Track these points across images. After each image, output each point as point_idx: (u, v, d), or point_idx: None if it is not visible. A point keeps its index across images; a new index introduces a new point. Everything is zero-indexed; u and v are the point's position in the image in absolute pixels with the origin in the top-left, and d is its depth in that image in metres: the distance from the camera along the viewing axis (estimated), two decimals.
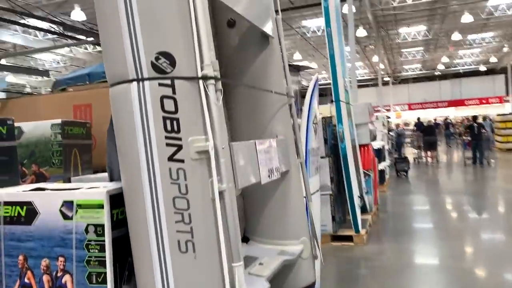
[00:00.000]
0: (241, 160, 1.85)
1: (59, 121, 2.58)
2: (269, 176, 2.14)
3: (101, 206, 1.73)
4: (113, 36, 1.56)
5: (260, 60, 2.57)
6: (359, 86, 31.86)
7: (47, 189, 1.95)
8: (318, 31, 21.72)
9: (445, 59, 32.86)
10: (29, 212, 1.85)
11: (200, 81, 1.58)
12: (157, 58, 1.53)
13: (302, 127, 2.95)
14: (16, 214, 1.87)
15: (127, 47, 1.54)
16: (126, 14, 1.52)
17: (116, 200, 1.72)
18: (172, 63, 1.55)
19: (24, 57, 22.70)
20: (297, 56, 24.37)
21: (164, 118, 1.53)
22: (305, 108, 2.96)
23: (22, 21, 16.96)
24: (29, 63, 24.99)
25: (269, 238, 2.58)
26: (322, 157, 5.15)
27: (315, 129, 3.12)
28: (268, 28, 2.55)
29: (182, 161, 1.54)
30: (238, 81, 2.57)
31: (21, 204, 1.86)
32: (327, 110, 6.73)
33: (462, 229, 6.42)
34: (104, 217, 1.73)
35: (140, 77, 1.53)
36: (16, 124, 2.65)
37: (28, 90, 29.66)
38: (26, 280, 1.86)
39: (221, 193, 1.57)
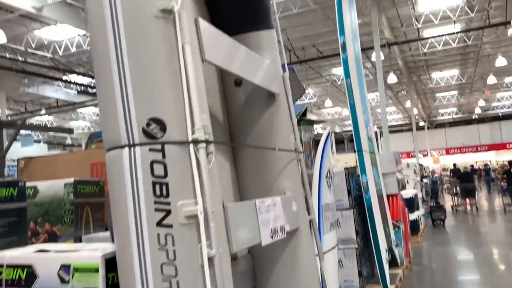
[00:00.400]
0: (238, 222, 1.83)
1: (72, 180, 2.65)
2: (272, 236, 2.09)
3: (96, 270, 1.73)
4: (108, 102, 1.62)
5: (266, 117, 2.59)
6: (393, 132, 31.45)
7: (50, 251, 1.97)
8: None
9: (482, 102, 32.13)
10: (29, 275, 1.87)
11: (191, 145, 1.59)
12: (148, 124, 1.57)
13: (314, 182, 2.91)
14: (17, 277, 1.89)
15: (120, 114, 1.58)
16: (120, 81, 1.58)
17: (114, 263, 1.71)
18: (163, 128, 1.57)
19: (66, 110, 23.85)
20: (328, 103, 24.46)
21: (154, 183, 1.54)
22: (317, 162, 2.92)
23: (64, 78, 18.00)
24: (71, 115, 26.22)
25: None
26: (346, 209, 5.03)
27: (329, 183, 3.06)
28: (274, 86, 2.58)
29: (170, 226, 1.53)
30: (242, 140, 2.59)
31: (22, 267, 1.89)
32: (353, 159, 6.63)
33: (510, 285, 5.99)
34: (99, 281, 1.72)
35: (131, 143, 1.56)
36: (33, 184, 2.74)
37: (68, 142, 30.94)
38: None
39: (210, 259, 1.54)
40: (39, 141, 27.68)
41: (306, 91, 23.86)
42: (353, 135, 5.11)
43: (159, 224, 1.52)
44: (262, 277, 2.57)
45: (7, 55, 14.85)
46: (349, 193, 5.08)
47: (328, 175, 3.06)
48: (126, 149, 1.57)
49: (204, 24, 1.88)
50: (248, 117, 2.61)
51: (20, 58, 15.22)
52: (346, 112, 27.98)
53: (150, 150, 1.56)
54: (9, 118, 23.38)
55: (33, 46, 15.13)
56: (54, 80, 17.85)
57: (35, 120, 25.57)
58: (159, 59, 1.62)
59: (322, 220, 2.88)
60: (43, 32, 14.40)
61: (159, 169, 1.55)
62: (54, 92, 20.91)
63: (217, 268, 1.54)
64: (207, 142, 1.64)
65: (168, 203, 1.53)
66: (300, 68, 19.74)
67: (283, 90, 2.71)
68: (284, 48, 17.71)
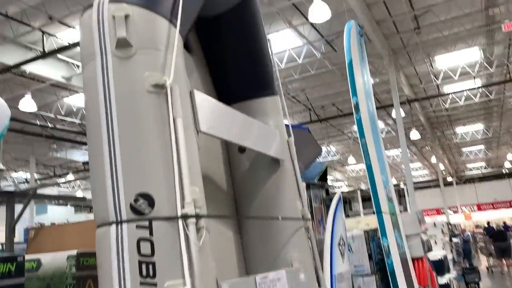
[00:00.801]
0: None
1: (74, 252, 2.60)
2: None
3: None
4: (97, 177, 1.59)
5: (270, 184, 2.52)
6: (420, 188, 30.63)
7: None
8: None
9: (511, 156, 31.28)
10: None
11: (180, 221, 1.53)
12: (136, 200, 1.52)
13: (325, 251, 2.77)
14: None
15: (108, 189, 1.55)
16: (109, 155, 1.56)
17: None
18: (151, 203, 1.53)
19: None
20: (351, 160, 24.24)
21: (140, 262, 1.47)
22: (328, 229, 2.80)
23: None
24: None
25: None
26: (367, 275, 4.77)
27: (342, 251, 2.92)
28: (278, 152, 2.54)
29: None
30: (246, 208, 2.51)
31: None
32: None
33: None
34: None
35: (119, 219, 1.52)
36: (36, 256, 2.69)
37: None
38: None
39: None
40: (66, 205, 28.04)
41: (328, 148, 23.80)
42: (372, 197, 4.95)
43: None
44: None
45: (38, 122, 15.47)
46: (370, 257, 4.84)
47: (341, 242, 2.92)
48: (114, 226, 1.52)
49: (200, 96, 1.88)
50: (252, 184, 2.55)
51: (49, 125, 15.83)
52: None
53: (137, 227, 1.50)
54: (39, 182, 23.93)
55: (62, 113, 15.78)
56: (81, 145, 18.37)
57: (61, 186, 26.05)
58: (150, 133, 1.60)
59: None
60: (71, 99, 15.05)
61: (145, 247, 1.48)
62: (81, 156, 21.49)
63: None
64: (198, 216, 1.58)
65: (155, 284, 1.46)
66: (321, 126, 19.84)
67: (288, 155, 2.66)
68: (304, 108, 17.96)
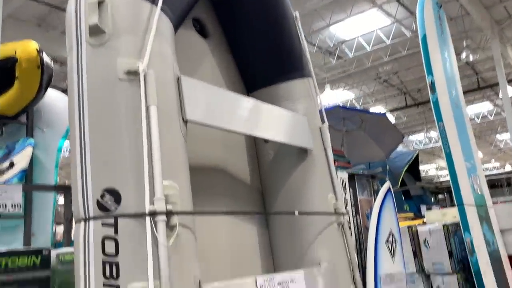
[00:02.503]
0: None
1: None
2: None
3: None
4: (72, 173, 1.53)
5: (297, 176, 2.30)
6: None
7: None
8: (478, 118, 19.83)
9: None
10: None
11: (147, 218, 1.40)
12: (102, 196, 1.43)
13: (368, 249, 2.46)
14: None
15: (79, 184, 1.48)
16: (80, 147, 1.49)
17: None
18: (117, 200, 1.42)
19: None
20: None
21: (104, 262, 1.37)
22: (372, 225, 2.48)
23: None
24: None
25: None
26: (447, 274, 4.27)
27: (392, 249, 2.57)
28: (306, 141, 2.30)
29: None
30: (273, 202, 2.32)
31: None
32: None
33: None
34: None
35: (86, 216, 1.44)
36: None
37: None
38: None
39: None
40: None
41: (427, 134, 22.21)
42: (452, 187, 4.41)
43: None
44: None
45: None
46: (450, 254, 4.32)
47: (391, 239, 2.58)
48: (82, 223, 1.44)
49: (189, 82, 1.73)
50: (277, 177, 2.35)
51: None
52: (479, 154, 25.20)
53: (103, 224, 1.41)
54: None
55: None
56: None
57: None
58: (120, 123, 1.50)
59: None
60: None
61: (110, 246, 1.38)
62: None
63: None
64: (169, 213, 1.43)
65: (117, 286, 1.35)
66: (419, 111, 18.55)
67: (319, 144, 2.40)
68: (398, 92, 16.93)
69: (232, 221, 2.16)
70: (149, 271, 1.35)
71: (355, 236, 2.63)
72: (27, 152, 3.52)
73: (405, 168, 8.77)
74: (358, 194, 2.73)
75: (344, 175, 2.65)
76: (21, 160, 3.50)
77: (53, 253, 2.20)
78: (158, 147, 1.47)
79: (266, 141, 2.42)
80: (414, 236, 4.50)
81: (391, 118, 18.29)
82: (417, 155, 9.37)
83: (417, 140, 23.39)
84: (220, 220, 2.11)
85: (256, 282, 1.71)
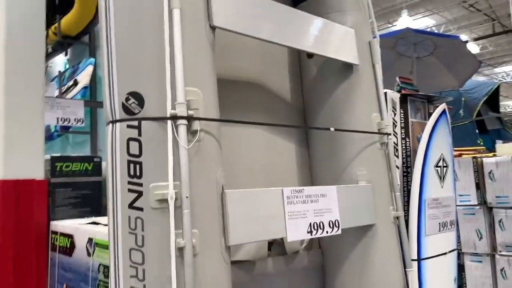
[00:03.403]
0: (243, 212, 1.58)
1: None
2: (310, 232, 1.77)
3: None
4: (103, 76, 1.57)
5: (340, 93, 2.20)
6: None
7: (100, 224, 2.07)
8: None
9: None
10: (71, 244, 2.00)
11: (169, 122, 1.42)
12: (127, 99, 1.46)
13: (415, 171, 2.34)
14: (65, 245, 2.04)
15: (106, 87, 1.52)
16: (107, 52, 1.51)
17: None
18: (141, 103, 1.45)
19: None
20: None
21: (129, 162, 1.43)
22: (421, 147, 2.34)
23: None
24: None
25: None
26: (476, 205, 4.07)
27: (442, 174, 2.43)
28: (351, 56, 2.17)
29: (141, 209, 1.40)
30: (314, 119, 2.26)
31: (68, 236, 2.03)
32: None
33: None
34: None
35: (113, 119, 1.49)
36: None
37: None
38: None
39: (180, 250, 1.36)
40: None
41: None
42: None
43: (130, 206, 1.41)
44: (330, 277, 2.23)
45: None
46: None
47: (442, 163, 2.43)
48: (110, 125, 1.50)
49: None
50: (320, 93, 2.27)
51: None
52: None
53: (128, 126, 1.45)
54: None
55: None
56: None
57: None
58: (145, 27, 1.49)
59: (424, 218, 2.31)
60: None
61: (134, 147, 1.43)
62: None
63: (187, 261, 1.35)
64: (190, 118, 1.44)
65: (141, 184, 1.41)
66: (508, 39, 16.84)
67: (368, 59, 2.26)
68: (486, 18, 15.41)
69: (269, 136, 2.15)
70: (169, 171, 1.39)
71: (403, 159, 2.52)
72: (88, 70, 3.69)
73: (483, 100, 8.13)
74: (410, 116, 2.57)
75: (395, 95, 2.50)
76: (83, 78, 3.68)
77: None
78: (180, 52, 1.45)
79: (309, 56, 2.32)
80: (479, 167, 4.26)
81: (475, 47, 16.82)
82: (498, 87, 8.60)
83: (504, 72, 21.47)
84: (256, 134, 2.10)
85: (282, 193, 1.71)
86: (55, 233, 2.12)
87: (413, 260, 2.27)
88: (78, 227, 1.97)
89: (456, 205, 4.33)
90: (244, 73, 2.11)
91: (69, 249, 1.99)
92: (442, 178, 2.46)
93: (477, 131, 8.08)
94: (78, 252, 1.92)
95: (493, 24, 15.88)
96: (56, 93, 4.22)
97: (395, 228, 2.16)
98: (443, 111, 2.45)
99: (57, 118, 3.30)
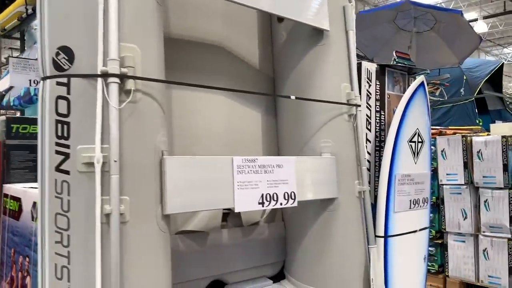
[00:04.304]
0: (184, 179, 1.49)
1: None
2: (262, 203, 1.68)
3: None
4: (37, 31, 1.47)
5: (309, 59, 2.08)
6: None
7: None
8: None
9: None
10: (19, 208, 1.93)
11: (99, 80, 1.32)
12: (57, 54, 1.36)
13: (387, 145, 2.23)
14: (15, 209, 1.98)
15: (39, 44, 1.41)
16: (40, 6, 1.40)
17: None
18: (71, 58, 1.34)
19: None
20: None
21: (57, 122, 1.34)
22: (395, 119, 2.23)
23: None
24: None
25: (306, 283, 2.06)
26: (498, 189, 3.95)
27: (416, 150, 2.32)
28: (321, 21, 2.03)
29: (67, 172, 1.32)
30: (282, 86, 2.14)
31: (16, 199, 1.96)
32: None
33: None
34: None
35: (44, 75, 1.39)
36: None
37: None
38: (12, 273, 1.94)
39: (107, 217, 1.29)
40: None
41: None
42: None
43: (57, 168, 1.33)
44: (291, 252, 2.17)
45: None
46: (505, 168, 3.96)
47: (416, 138, 2.32)
48: (41, 82, 1.40)
49: None
50: (289, 60, 2.14)
51: None
52: None
53: (58, 84, 1.35)
54: None
55: None
56: None
57: None
58: None
59: (393, 194, 2.22)
60: None
61: (62, 106, 1.34)
62: None
63: (113, 228, 1.27)
64: (123, 76, 1.34)
65: (68, 146, 1.32)
66: None
67: (341, 25, 2.12)
68: None
69: (231, 102, 2.05)
70: (97, 133, 1.30)
71: (376, 133, 2.41)
72: None
73: (485, 79, 7.92)
74: (387, 88, 2.44)
75: (371, 66, 2.36)
76: None
77: None
78: (115, 3, 1.34)
79: (280, 20, 2.19)
80: (467, 146, 4.15)
81: (484, 26, 16.38)
82: (502, 66, 8.36)
83: None
84: (218, 100, 2.00)
85: (232, 161, 1.62)
86: (6, 196, 2.05)
87: (379, 236, 2.19)
88: (26, 191, 1.90)
89: (443, 184, 4.27)
90: (205, 34, 1.99)
91: (17, 213, 1.92)
92: (416, 154, 2.35)
93: (476, 111, 7.91)
94: (24, 216, 1.85)
95: (505, 2, 15.42)
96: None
97: (359, 203, 2.08)
98: (421, 84, 2.32)
99: (30, 80, 3.21)
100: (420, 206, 2.42)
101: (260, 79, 2.21)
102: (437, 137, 4.38)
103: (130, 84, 1.35)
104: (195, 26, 1.96)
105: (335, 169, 1.99)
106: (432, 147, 4.28)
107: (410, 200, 2.35)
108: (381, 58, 6.11)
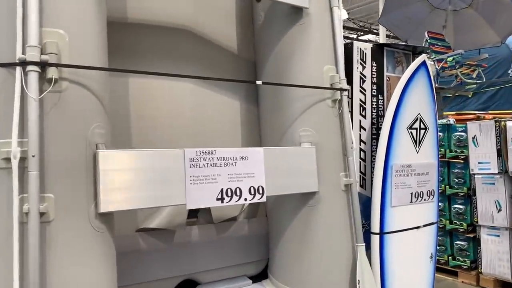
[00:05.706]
0: (120, 175, 1.37)
1: None
2: (221, 199, 1.54)
3: None
4: None
5: (288, 41, 1.89)
6: None
7: None
8: None
9: None
10: None
11: (17, 68, 1.22)
12: None
13: (382, 132, 1.99)
14: None
15: None
16: None
17: None
18: None
19: None
20: None
21: None
22: (392, 103, 1.97)
23: None
24: None
25: (284, 283, 1.90)
26: (496, 174, 3.62)
27: (418, 138, 2.05)
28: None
29: None
30: (261, 70, 1.97)
31: None
32: None
33: None
34: None
35: None
36: None
37: None
38: None
39: (27, 215, 1.19)
40: None
41: None
42: None
43: None
44: (273, 250, 2.01)
45: None
46: (499, 153, 3.62)
47: (417, 125, 2.05)
48: None
49: None
50: (267, 42, 1.97)
51: None
52: None
53: None
54: None
55: None
56: None
57: None
58: None
59: (389, 187, 1.98)
60: None
61: None
62: None
63: (32, 228, 1.18)
64: (45, 64, 1.23)
65: None
66: None
67: (324, 3, 1.92)
68: None
69: (200, 90, 1.91)
70: (14, 126, 1.20)
71: (372, 119, 2.18)
72: None
73: None
74: (386, 70, 2.20)
75: (365, 46, 2.13)
76: None
77: None
78: None
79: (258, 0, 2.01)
80: (501, 132, 3.78)
81: None
82: None
83: None
84: (183, 88, 1.87)
85: (184, 154, 1.48)
86: None
87: (375, 233, 1.98)
88: None
89: (474, 174, 3.92)
90: (173, 17, 1.85)
91: None
92: (417, 142, 2.10)
93: None
94: None
95: None
96: None
97: (346, 197, 1.88)
98: (423, 63, 2.06)
99: None
100: (425, 200, 2.17)
101: (240, 65, 2.05)
102: (467, 123, 4.03)
103: (52, 72, 1.24)
104: (162, 8, 1.83)
105: (315, 160, 1.81)
106: (463, 133, 3.96)
107: (412, 193, 2.11)
108: (415, 40, 5.72)
